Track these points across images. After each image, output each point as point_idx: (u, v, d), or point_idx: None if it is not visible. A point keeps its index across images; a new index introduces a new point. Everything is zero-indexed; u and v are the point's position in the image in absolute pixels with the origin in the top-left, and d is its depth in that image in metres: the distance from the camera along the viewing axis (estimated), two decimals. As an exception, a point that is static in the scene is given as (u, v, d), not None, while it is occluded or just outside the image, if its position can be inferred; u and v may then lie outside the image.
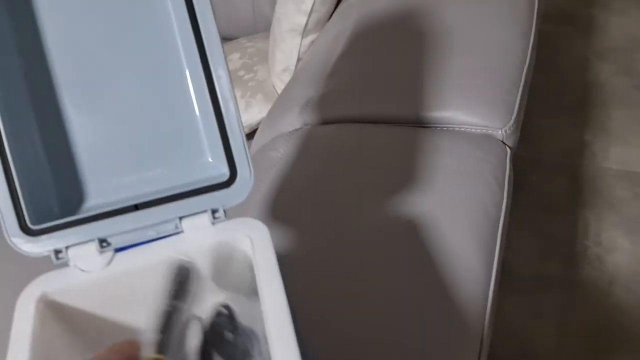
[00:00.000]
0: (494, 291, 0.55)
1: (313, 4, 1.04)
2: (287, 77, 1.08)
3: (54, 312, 0.35)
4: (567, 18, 1.77)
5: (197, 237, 0.35)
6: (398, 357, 0.48)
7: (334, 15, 1.04)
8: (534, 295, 1.20)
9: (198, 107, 0.38)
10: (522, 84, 0.75)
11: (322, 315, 0.50)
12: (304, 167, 0.69)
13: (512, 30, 0.81)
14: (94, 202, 0.38)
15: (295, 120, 0.80)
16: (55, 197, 0.37)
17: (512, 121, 0.71)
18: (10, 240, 0.34)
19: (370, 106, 0.76)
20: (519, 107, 0.73)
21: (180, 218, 0.35)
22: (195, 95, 0.38)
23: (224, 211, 0.36)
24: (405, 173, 0.64)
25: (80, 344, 0.36)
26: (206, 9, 0.36)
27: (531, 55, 0.80)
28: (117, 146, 0.38)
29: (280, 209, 0.62)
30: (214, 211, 0.35)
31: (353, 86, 0.80)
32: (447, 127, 0.71)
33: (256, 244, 0.34)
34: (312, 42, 1.07)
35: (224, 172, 0.37)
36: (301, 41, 1.06)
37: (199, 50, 0.35)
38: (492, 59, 0.76)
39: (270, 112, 0.89)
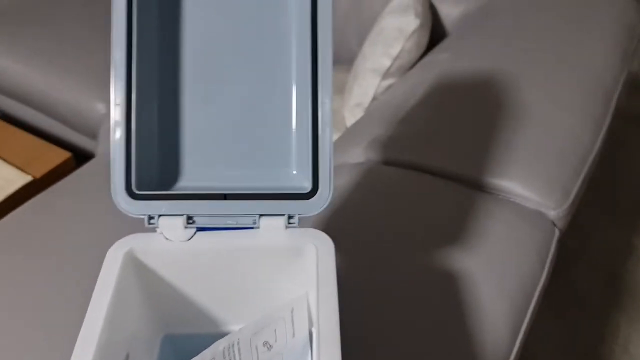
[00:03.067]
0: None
1: (400, 51, 1.09)
2: (358, 112, 1.14)
3: (136, 268, 0.40)
4: (637, 119, 1.77)
5: (270, 235, 0.40)
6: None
7: (417, 65, 1.09)
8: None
9: (296, 124, 0.43)
10: (583, 173, 0.78)
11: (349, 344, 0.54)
12: (361, 200, 0.73)
13: (585, 121, 0.84)
14: (185, 183, 0.43)
15: (360, 154, 0.85)
16: (156, 171, 0.42)
17: (567, 205, 0.73)
18: (116, 199, 0.39)
19: (433, 158, 0.80)
20: (576, 195, 0.75)
21: (260, 215, 0.40)
22: (296, 113, 0.43)
23: (299, 219, 0.40)
24: (453, 228, 0.68)
25: (150, 302, 0.41)
26: (327, 41, 0.41)
27: (598, 149, 0.83)
28: (217, 140, 0.43)
29: (331, 233, 0.66)
30: (290, 217, 0.40)
31: (421, 135, 0.84)
32: (502, 196, 0.74)
33: (320, 253, 0.38)
34: (390, 85, 1.12)
35: (305, 185, 0.42)
36: (380, 82, 1.12)
37: (312, 74, 0.40)
38: (560, 142, 0.79)
39: (337, 141, 0.94)
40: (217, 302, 0.43)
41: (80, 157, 1.21)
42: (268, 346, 0.41)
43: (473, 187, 0.75)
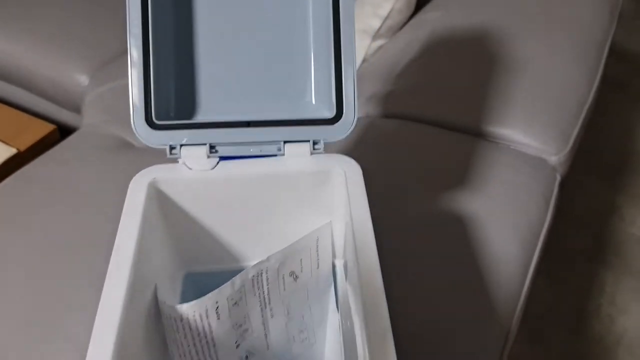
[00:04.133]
0: (526, 295, 0.58)
1: (390, 11, 1.08)
2: (349, 75, 1.13)
3: (159, 199, 0.38)
4: (621, 85, 1.80)
5: (296, 162, 0.39)
6: (429, 336, 0.51)
7: (407, 25, 1.09)
8: (538, 340, 1.21)
9: (314, 52, 0.42)
10: (581, 120, 0.78)
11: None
12: (363, 153, 0.73)
13: (579, 71, 0.84)
14: (206, 116, 0.42)
15: (358, 110, 0.84)
16: (176, 104, 0.41)
17: (567, 150, 0.74)
18: (136, 130, 0.38)
19: (433, 109, 0.79)
20: (575, 140, 0.76)
21: (284, 142, 0.39)
22: (314, 44, 0.42)
23: (324, 145, 0.39)
24: (458, 174, 0.68)
25: (172, 237, 0.40)
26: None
27: (593, 97, 0.84)
28: (233, 77, 0.42)
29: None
30: (315, 142, 0.39)
31: (419, 88, 0.83)
32: (503, 143, 0.75)
33: (349, 176, 0.38)
34: (380, 46, 1.11)
35: (325, 114, 0.41)
36: (370, 43, 1.11)
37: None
38: (557, 90, 0.80)
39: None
40: (238, 235, 0.42)
41: (63, 132, 1.17)
42: (294, 277, 0.41)
43: (473, 136, 0.75)
